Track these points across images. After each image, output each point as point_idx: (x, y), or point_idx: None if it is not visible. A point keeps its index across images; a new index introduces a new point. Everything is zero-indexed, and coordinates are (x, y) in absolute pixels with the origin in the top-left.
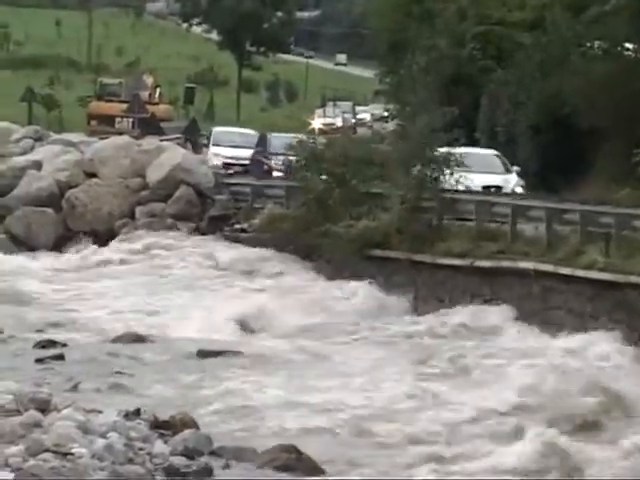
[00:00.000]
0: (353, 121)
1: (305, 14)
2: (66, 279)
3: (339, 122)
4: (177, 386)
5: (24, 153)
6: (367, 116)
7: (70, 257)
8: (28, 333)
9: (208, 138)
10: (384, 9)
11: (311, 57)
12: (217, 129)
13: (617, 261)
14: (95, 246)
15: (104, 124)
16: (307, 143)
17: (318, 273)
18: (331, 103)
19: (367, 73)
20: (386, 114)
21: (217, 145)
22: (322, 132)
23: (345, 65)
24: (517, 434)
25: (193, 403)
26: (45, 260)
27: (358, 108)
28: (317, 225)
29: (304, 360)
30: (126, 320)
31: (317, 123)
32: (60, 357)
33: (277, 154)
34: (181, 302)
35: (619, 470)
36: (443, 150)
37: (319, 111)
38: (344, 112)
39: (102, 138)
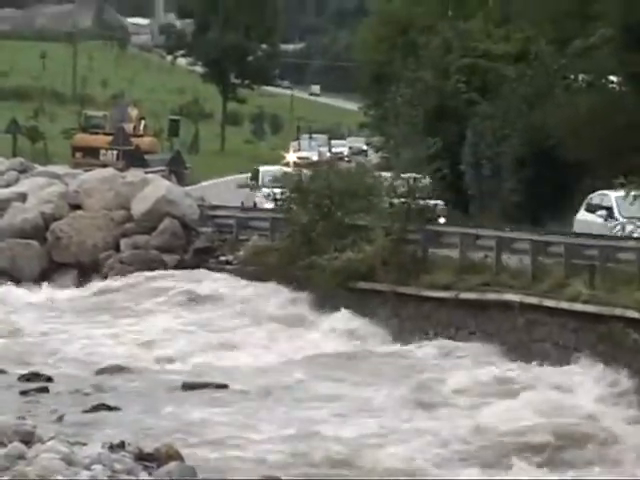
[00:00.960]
0: (328, 154)
1: (290, 46)
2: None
3: (315, 156)
4: (162, 418)
5: (8, 185)
6: (344, 150)
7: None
8: (13, 366)
9: (255, 179)
10: (368, 42)
11: (290, 88)
12: (265, 168)
13: (601, 293)
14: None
15: (89, 156)
16: (292, 175)
17: (303, 305)
18: (306, 136)
19: (351, 105)
20: (365, 148)
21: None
22: (297, 166)
23: (318, 95)
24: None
25: (178, 435)
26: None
27: (335, 142)
28: (302, 257)
29: (288, 391)
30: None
31: (292, 157)
32: (44, 389)
33: None
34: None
35: None
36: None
37: (294, 144)
38: (319, 145)
39: (87, 170)
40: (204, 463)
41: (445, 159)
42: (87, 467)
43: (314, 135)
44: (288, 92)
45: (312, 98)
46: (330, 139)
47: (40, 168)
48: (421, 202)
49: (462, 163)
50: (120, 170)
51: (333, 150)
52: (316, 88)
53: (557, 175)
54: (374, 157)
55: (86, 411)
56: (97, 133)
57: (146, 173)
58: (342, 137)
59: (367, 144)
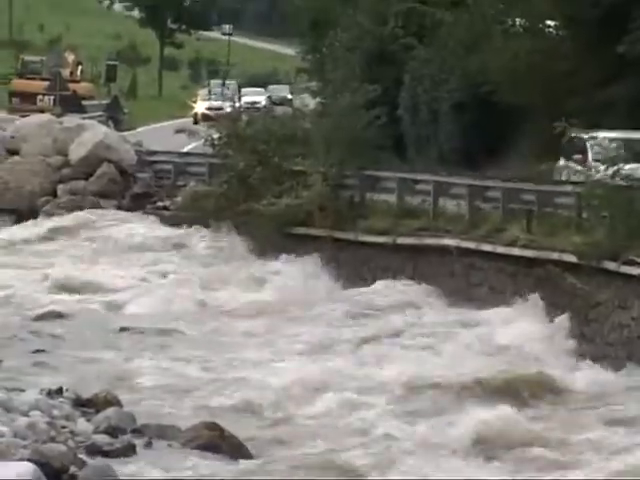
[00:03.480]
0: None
1: None
2: None
3: (228, 107)
4: (100, 363)
5: None
6: (261, 99)
7: None
8: None
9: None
10: None
11: (230, 34)
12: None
13: (539, 238)
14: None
15: (25, 102)
16: (229, 119)
17: (242, 251)
18: (218, 82)
19: (290, 51)
20: (290, 96)
21: None
22: (207, 118)
23: (231, 35)
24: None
25: (116, 381)
26: None
27: (248, 89)
28: (239, 203)
29: (229, 338)
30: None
31: (201, 107)
32: None
33: None
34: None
35: None
36: None
37: (203, 92)
38: (233, 94)
39: (23, 116)
40: (142, 409)
41: (383, 105)
42: (25, 413)
43: (228, 82)
44: (226, 37)
45: (250, 43)
46: (240, 86)
47: None
48: None
49: (399, 108)
50: (57, 116)
51: (247, 99)
52: (227, 28)
53: (495, 120)
54: (312, 103)
55: (24, 357)
56: (34, 78)
57: (83, 119)
58: (277, 83)
59: (290, 93)
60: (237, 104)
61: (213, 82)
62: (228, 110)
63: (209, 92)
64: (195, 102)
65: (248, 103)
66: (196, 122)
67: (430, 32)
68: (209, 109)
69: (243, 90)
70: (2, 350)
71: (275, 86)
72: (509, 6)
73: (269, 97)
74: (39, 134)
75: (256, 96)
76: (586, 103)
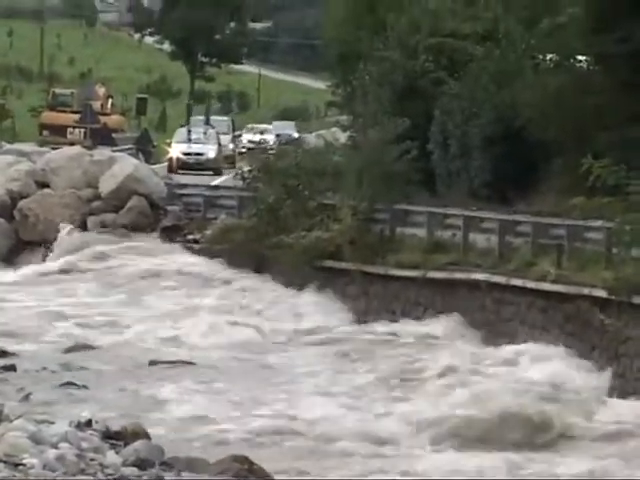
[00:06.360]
0: (231, 147)
1: (258, 25)
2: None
3: (212, 151)
4: (129, 396)
5: None
6: (269, 137)
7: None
8: None
9: None
10: (337, 20)
11: (242, 63)
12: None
13: (569, 273)
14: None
15: (56, 134)
16: (259, 153)
17: (269, 284)
18: (200, 118)
19: (320, 84)
20: (297, 135)
21: None
22: (184, 166)
23: (242, 63)
24: None
25: (145, 413)
26: None
27: (253, 127)
28: (269, 236)
29: (255, 370)
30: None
31: (176, 151)
32: (11, 368)
33: None
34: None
35: None
36: None
37: (181, 132)
38: (224, 133)
39: (54, 148)
40: (171, 442)
41: (413, 139)
42: (54, 445)
43: (219, 118)
44: (256, 70)
45: (280, 76)
46: (234, 123)
47: (7, 146)
48: None
49: (430, 143)
50: (87, 148)
51: (250, 138)
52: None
53: (525, 154)
54: (342, 137)
55: (53, 389)
56: (64, 111)
57: (114, 151)
58: (308, 118)
59: (297, 132)
60: (227, 146)
61: (193, 119)
62: (211, 156)
63: (189, 132)
64: (170, 145)
65: (252, 142)
66: (171, 170)
67: (461, 66)
68: (187, 154)
69: (249, 126)
70: (32, 382)
71: (280, 122)
72: (540, 41)
73: (278, 135)
74: (69, 167)
75: (263, 134)
76: (616, 139)
